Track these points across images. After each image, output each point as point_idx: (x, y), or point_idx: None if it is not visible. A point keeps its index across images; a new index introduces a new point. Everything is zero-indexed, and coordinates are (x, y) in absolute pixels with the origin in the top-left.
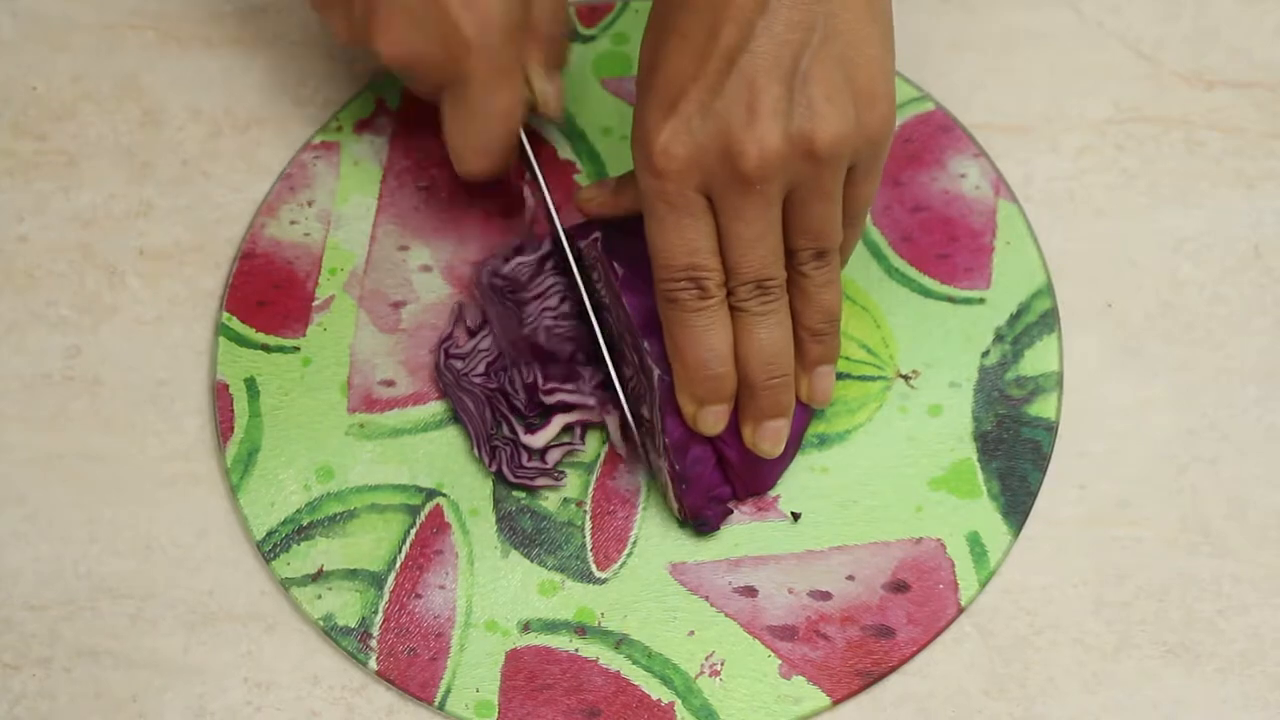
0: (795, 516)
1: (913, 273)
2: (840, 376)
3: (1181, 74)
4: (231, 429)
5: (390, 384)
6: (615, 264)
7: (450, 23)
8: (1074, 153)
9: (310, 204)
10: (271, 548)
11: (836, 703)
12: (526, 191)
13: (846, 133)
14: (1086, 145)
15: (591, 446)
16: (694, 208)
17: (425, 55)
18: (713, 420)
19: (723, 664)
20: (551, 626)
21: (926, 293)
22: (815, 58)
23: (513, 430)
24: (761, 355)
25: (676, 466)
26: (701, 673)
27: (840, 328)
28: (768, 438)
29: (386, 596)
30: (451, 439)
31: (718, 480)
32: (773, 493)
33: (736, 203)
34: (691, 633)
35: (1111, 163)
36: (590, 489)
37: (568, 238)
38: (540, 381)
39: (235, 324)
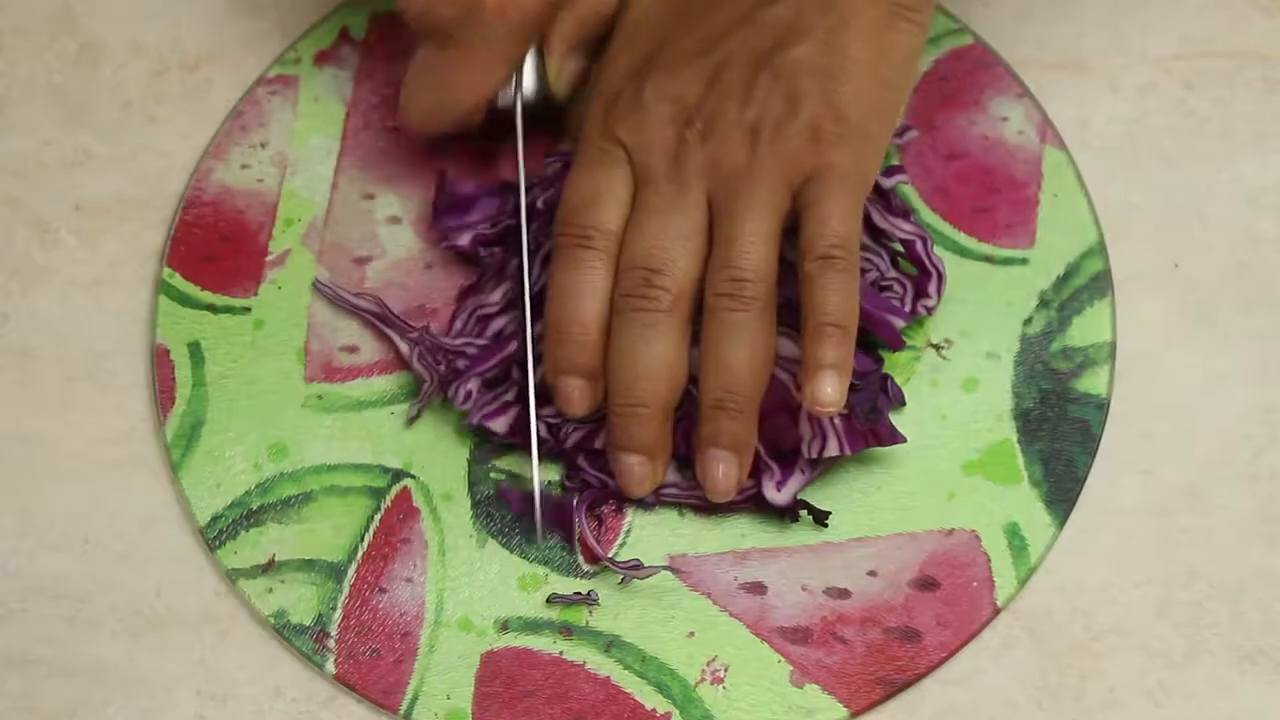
0: (819, 518)
1: (946, 228)
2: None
3: (1259, 2)
4: (172, 400)
5: (353, 350)
6: None
7: None
8: (1135, 93)
9: (264, 146)
10: (216, 534)
11: (855, 714)
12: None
13: None
14: (1150, 84)
15: None
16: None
17: (438, 5)
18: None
19: (726, 670)
20: (533, 626)
21: (962, 251)
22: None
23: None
24: None
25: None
26: (702, 679)
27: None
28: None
29: (346, 591)
30: (422, 414)
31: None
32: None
33: None
34: (691, 634)
35: (1179, 104)
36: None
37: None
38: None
39: (178, 281)
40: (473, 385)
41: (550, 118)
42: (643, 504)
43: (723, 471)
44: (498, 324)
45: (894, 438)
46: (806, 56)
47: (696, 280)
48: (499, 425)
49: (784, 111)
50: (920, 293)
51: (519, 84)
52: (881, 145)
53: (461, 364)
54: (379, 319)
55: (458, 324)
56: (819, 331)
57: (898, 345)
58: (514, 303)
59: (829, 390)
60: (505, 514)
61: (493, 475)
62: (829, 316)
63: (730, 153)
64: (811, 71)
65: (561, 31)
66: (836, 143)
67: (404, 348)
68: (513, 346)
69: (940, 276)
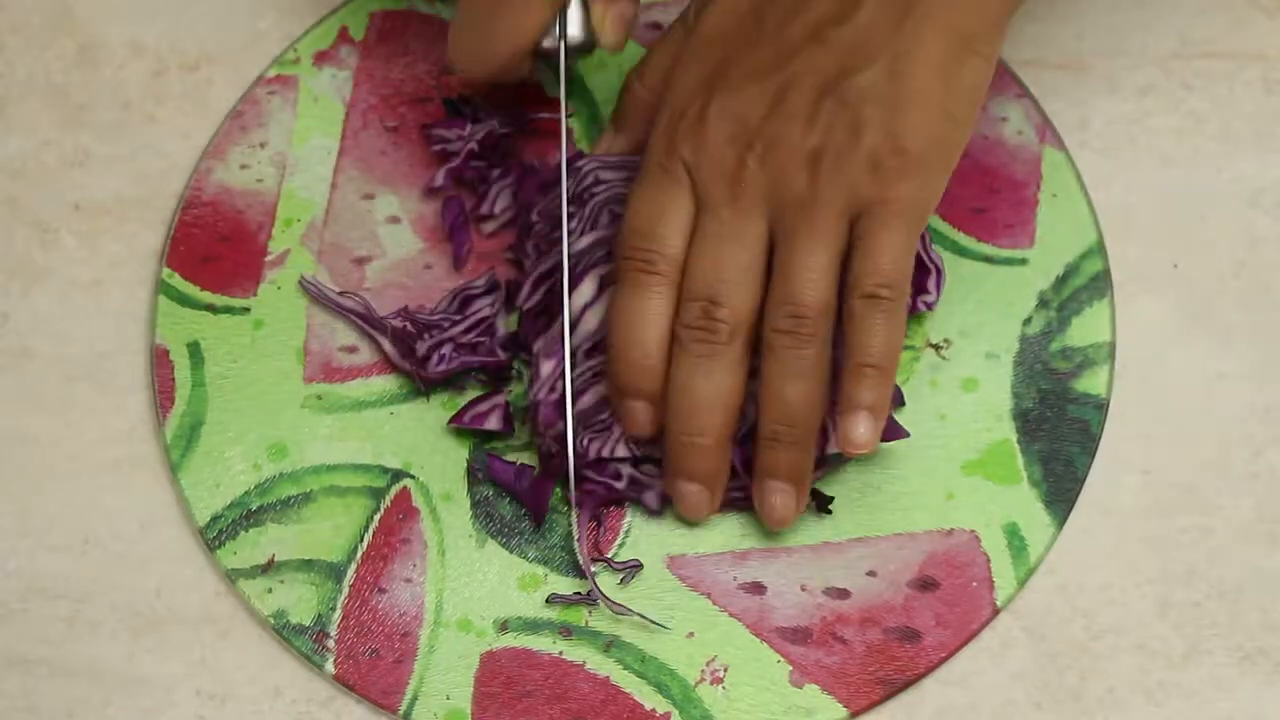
0: (823, 504)
1: (945, 228)
2: None
3: (1259, 2)
4: (172, 400)
5: (352, 350)
6: None
7: None
8: (1135, 93)
9: (263, 146)
10: (216, 534)
11: (854, 715)
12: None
13: None
14: (1149, 84)
15: None
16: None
17: None
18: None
19: (726, 670)
20: (533, 626)
21: (961, 251)
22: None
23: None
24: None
25: None
26: (702, 679)
27: None
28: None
29: (346, 591)
30: (421, 413)
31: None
32: None
33: None
34: (691, 634)
35: (1178, 104)
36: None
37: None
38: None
39: (177, 281)
40: (446, 349)
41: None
42: (650, 511)
43: (780, 502)
44: (479, 304)
45: (897, 433)
46: (872, 84)
47: (756, 309)
48: (492, 423)
49: (846, 140)
50: (920, 289)
51: (563, 30)
52: (942, 180)
53: (437, 331)
54: (363, 319)
55: (440, 304)
56: (858, 372)
57: None
58: (495, 284)
59: (862, 431)
60: (504, 513)
61: (486, 447)
62: (870, 357)
63: (791, 180)
64: (876, 100)
65: None
66: (896, 176)
67: (388, 347)
68: (485, 309)
69: (939, 272)
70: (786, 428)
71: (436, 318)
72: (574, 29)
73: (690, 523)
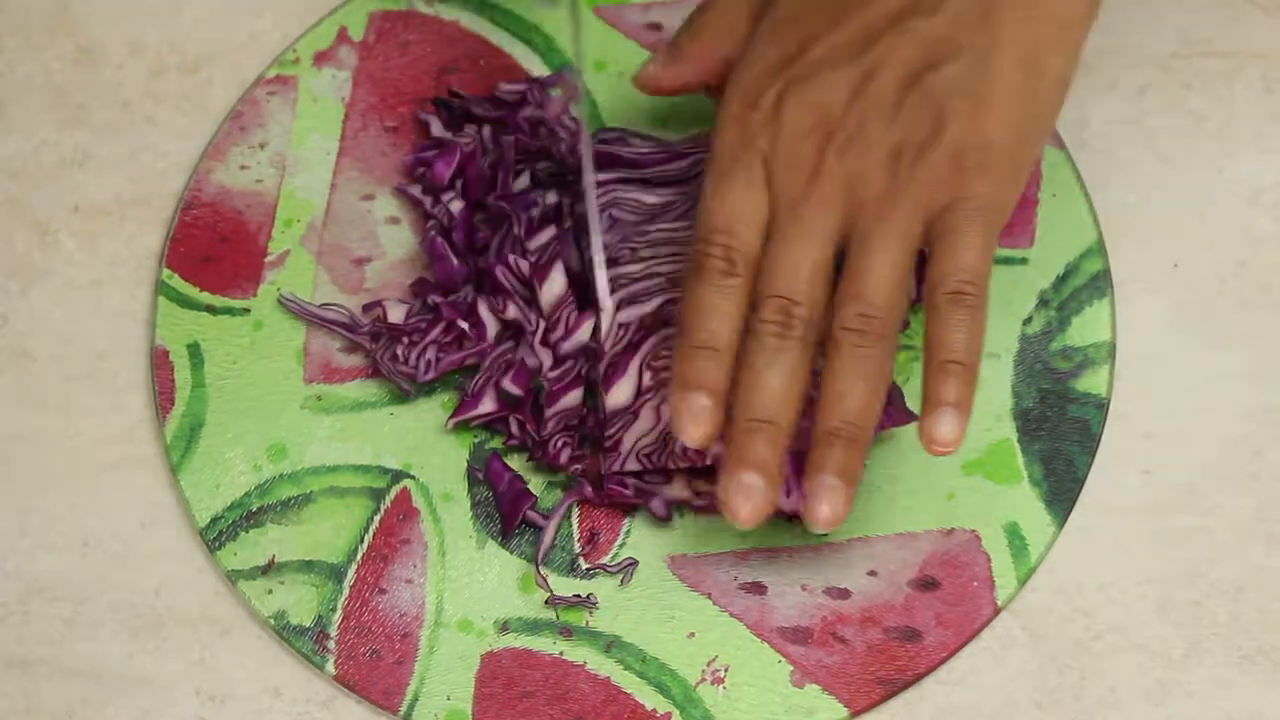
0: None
1: None
2: None
3: (1259, 1)
4: (172, 401)
5: (352, 351)
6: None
7: None
8: (1134, 92)
9: (263, 146)
10: (216, 535)
11: (855, 714)
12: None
13: None
14: (1149, 83)
15: None
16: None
17: None
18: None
19: (726, 670)
20: (533, 626)
21: None
22: None
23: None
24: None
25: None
26: (703, 680)
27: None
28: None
29: (346, 591)
30: (421, 414)
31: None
32: None
33: None
34: (692, 634)
35: (1178, 103)
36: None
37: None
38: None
39: (177, 282)
40: (430, 354)
41: None
42: (657, 518)
43: (828, 499)
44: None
45: (907, 417)
46: (957, 77)
47: (827, 305)
48: (485, 405)
49: (928, 134)
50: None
51: None
52: (1024, 176)
53: (417, 336)
54: (346, 329)
55: (414, 306)
56: (943, 369)
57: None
58: (453, 286)
59: (948, 429)
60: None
61: (488, 447)
62: (955, 354)
63: (870, 175)
64: (961, 94)
65: None
66: (980, 171)
67: (376, 355)
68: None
69: None
70: (846, 424)
71: (409, 324)
72: None
73: (743, 530)
